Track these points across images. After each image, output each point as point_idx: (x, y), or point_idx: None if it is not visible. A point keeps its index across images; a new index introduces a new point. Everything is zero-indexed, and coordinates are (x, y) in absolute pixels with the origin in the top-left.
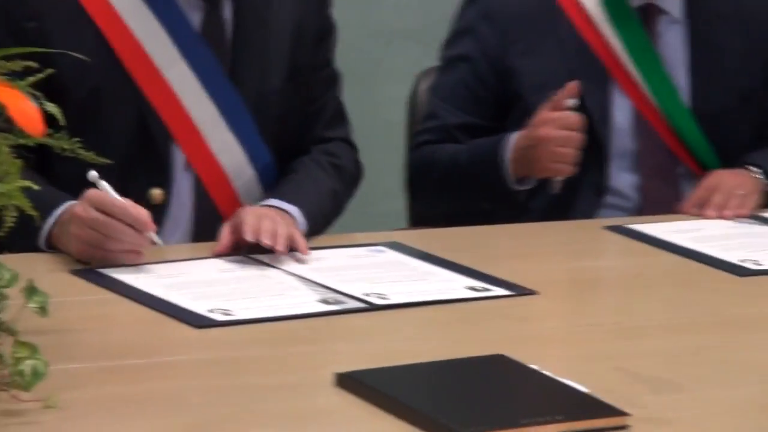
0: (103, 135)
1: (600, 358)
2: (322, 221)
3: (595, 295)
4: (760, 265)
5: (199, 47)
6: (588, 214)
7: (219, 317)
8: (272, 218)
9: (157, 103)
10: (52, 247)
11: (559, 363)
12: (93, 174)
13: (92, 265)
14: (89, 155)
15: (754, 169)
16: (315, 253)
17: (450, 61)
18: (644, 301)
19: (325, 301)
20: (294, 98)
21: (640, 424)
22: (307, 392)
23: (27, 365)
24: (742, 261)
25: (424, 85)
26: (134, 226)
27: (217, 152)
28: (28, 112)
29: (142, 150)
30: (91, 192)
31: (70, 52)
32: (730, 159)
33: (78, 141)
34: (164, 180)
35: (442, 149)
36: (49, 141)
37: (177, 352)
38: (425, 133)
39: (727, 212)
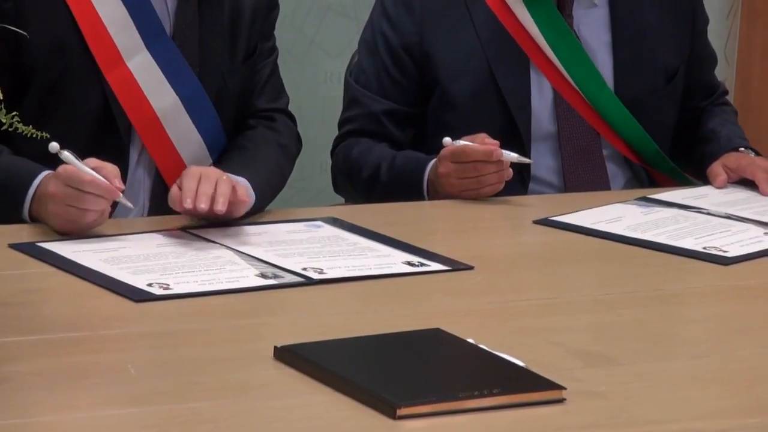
0: (70, 119)
1: (536, 332)
2: (270, 196)
3: (530, 271)
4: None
5: (162, 38)
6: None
7: (158, 291)
8: (211, 179)
9: (118, 90)
10: (34, 218)
11: (496, 337)
12: (54, 145)
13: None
14: (28, 129)
15: (747, 150)
16: (253, 228)
17: (369, 48)
18: (578, 277)
19: (264, 276)
20: (248, 76)
21: (575, 397)
22: (245, 365)
23: None
24: (671, 242)
25: None
26: (103, 196)
27: (176, 142)
28: None
29: (106, 136)
30: (61, 168)
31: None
32: (656, 138)
33: (44, 122)
34: (124, 168)
35: (366, 152)
36: None
37: (116, 325)
38: (350, 122)
39: None
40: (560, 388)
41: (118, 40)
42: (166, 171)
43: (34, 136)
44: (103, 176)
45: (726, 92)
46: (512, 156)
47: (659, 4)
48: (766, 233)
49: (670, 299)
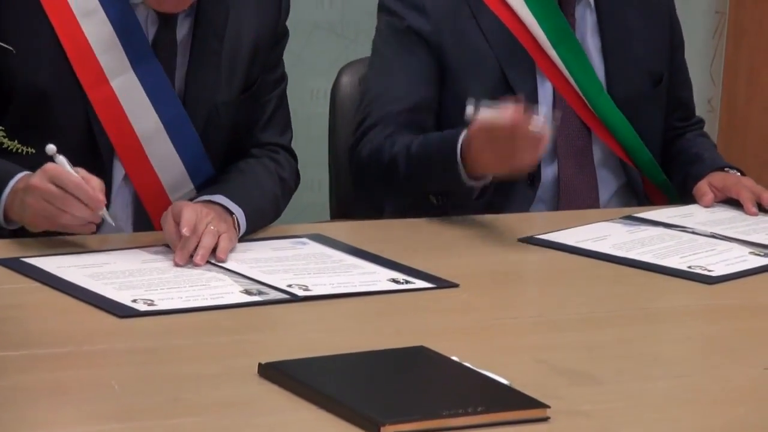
0: (52, 137)
1: (520, 351)
2: (260, 227)
3: (515, 289)
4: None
5: (149, 59)
6: (523, 208)
7: (142, 307)
8: (203, 223)
9: (100, 111)
10: (7, 219)
11: (480, 355)
12: (51, 147)
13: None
14: (13, 144)
15: (732, 170)
16: (239, 245)
17: (389, 43)
18: (564, 295)
19: (248, 292)
20: (246, 107)
21: (559, 416)
22: (229, 382)
23: None
24: (656, 261)
25: (346, 78)
26: (87, 203)
27: (157, 167)
28: None
29: (88, 156)
30: (49, 165)
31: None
32: (648, 143)
33: (25, 138)
34: (106, 191)
35: (394, 141)
36: None
37: (100, 341)
38: (389, 105)
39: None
40: (545, 406)
41: (103, 60)
42: (144, 194)
43: (20, 151)
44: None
45: (703, 123)
46: (540, 120)
47: (640, 9)
48: (750, 252)
49: (655, 318)
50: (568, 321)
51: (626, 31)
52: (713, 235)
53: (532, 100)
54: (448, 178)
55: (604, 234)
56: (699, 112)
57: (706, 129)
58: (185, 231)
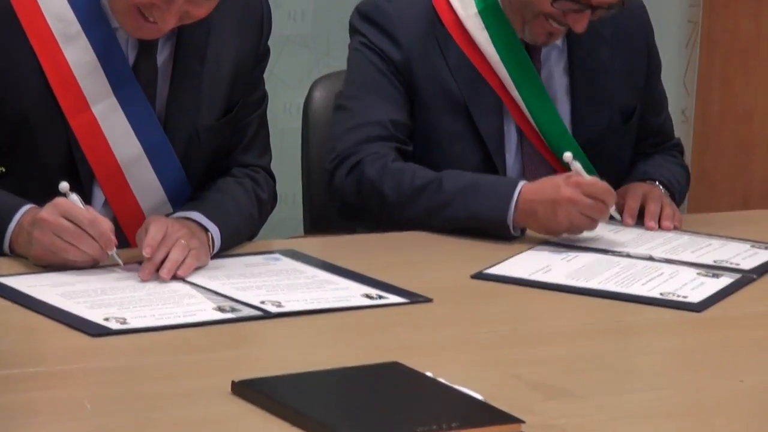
0: (33, 162)
1: (494, 365)
2: (235, 242)
3: (489, 303)
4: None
5: (130, 85)
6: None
7: (115, 326)
8: (173, 238)
9: (81, 136)
10: (12, 252)
11: (454, 370)
12: (64, 185)
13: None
14: None
15: (657, 183)
16: (212, 262)
17: (362, 67)
18: (537, 309)
19: (221, 309)
20: (227, 130)
21: (534, 431)
22: (203, 400)
23: None
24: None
25: (319, 92)
26: (98, 241)
27: (137, 193)
28: None
29: (70, 185)
30: (60, 200)
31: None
32: (613, 178)
33: (7, 164)
34: None
35: (409, 167)
36: None
37: (72, 360)
38: (369, 128)
39: (667, 223)
40: (519, 421)
41: (85, 85)
42: (124, 220)
43: None
44: None
45: (680, 147)
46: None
47: (614, 44)
48: (698, 273)
49: (629, 331)
50: (542, 335)
51: (598, 68)
52: (651, 258)
53: (498, 139)
54: (482, 218)
55: (545, 264)
56: (673, 121)
57: (680, 137)
58: (146, 252)
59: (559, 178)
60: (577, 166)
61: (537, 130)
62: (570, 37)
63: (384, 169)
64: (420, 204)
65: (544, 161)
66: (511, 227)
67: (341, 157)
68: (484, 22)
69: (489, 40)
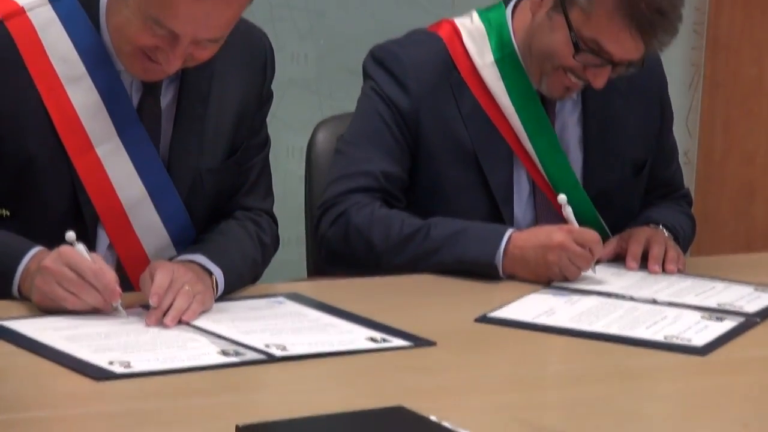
0: (38, 204)
1: (499, 409)
2: (238, 285)
3: (493, 346)
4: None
5: (134, 127)
6: None
7: (119, 369)
8: (179, 283)
9: (85, 177)
10: (22, 294)
11: (459, 414)
12: (71, 235)
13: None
14: None
15: (661, 227)
16: (216, 305)
17: (367, 113)
18: (542, 352)
19: (225, 353)
20: (230, 173)
21: None
22: None
23: None
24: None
25: (322, 135)
26: (102, 293)
27: (141, 235)
28: None
29: (73, 227)
30: (64, 248)
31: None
32: (622, 228)
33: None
34: None
35: (390, 214)
36: None
37: (76, 404)
38: (359, 178)
39: (671, 266)
40: None
41: (89, 127)
42: (128, 262)
43: None
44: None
45: (688, 196)
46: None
47: (628, 97)
48: (702, 317)
49: (633, 375)
50: (547, 379)
51: (611, 121)
52: (655, 302)
53: (507, 190)
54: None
55: (549, 307)
56: None
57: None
58: (153, 301)
59: (550, 226)
60: (568, 212)
61: (549, 181)
62: (585, 88)
63: (371, 216)
64: (408, 252)
65: (556, 213)
66: (499, 268)
67: (327, 205)
68: (500, 72)
69: (504, 90)
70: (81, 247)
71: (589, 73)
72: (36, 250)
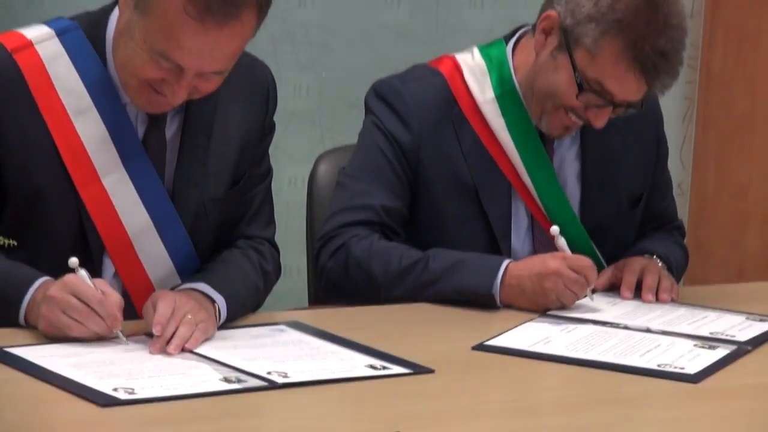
0: (44, 238)
1: None
2: (240, 313)
3: (490, 374)
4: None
5: (139, 158)
6: None
7: (123, 396)
8: (182, 312)
9: (91, 208)
10: (29, 323)
11: None
12: (74, 260)
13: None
14: None
15: (655, 257)
16: (218, 333)
17: (369, 148)
18: (537, 379)
19: (228, 380)
20: (233, 202)
21: None
22: None
23: None
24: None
25: (324, 167)
26: (105, 320)
27: (146, 264)
28: None
29: (79, 257)
30: (69, 277)
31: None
32: (617, 259)
33: (23, 235)
34: None
35: (396, 247)
36: None
37: (81, 430)
38: (358, 211)
39: (665, 295)
40: None
41: (95, 158)
42: (133, 290)
43: (2, 244)
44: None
45: (681, 228)
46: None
47: (625, 133)
48: (695, 345)
49: (627, 402)
50: (543, 406)
51: (609, 156)
52: (648, 330)
53: (506, 223)
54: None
55: (545, 336)
56: None
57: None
58: (156, 330)
59: (544, 255)
60: (561, 243)
61: (547, 215)
62: (585, 125)
63: (371, 248)
64: (407, 283)
65: (554, 246)
66: (497, 298)
67: (327, 237)
68: (501, 108)
69: (504, 126)
70: (83, 273)
71: (590, 113)
72: (42, 280)
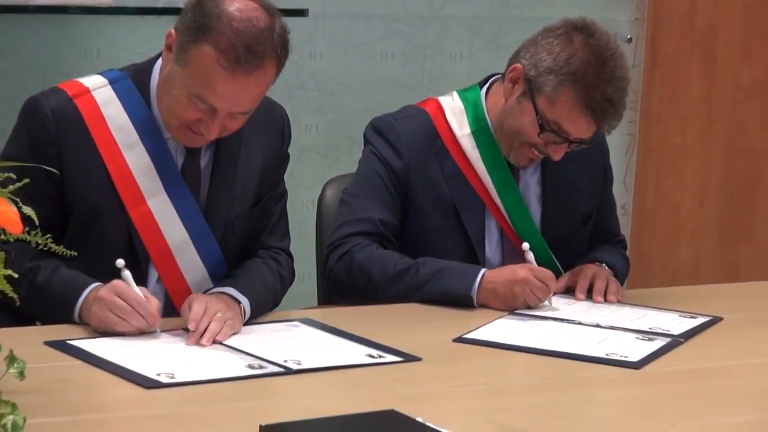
0: (101, 246)
1: (472, 413)
2: (261, 312)
3: (468, 361)
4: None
5: (178, 183)
6: None
7: (165, 379)
8: (213, 311)
9: (138, 224)
10: (81, 318)
11: (440, 417)
12: (120, 262)
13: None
14: (59, 248)
15: (603, 265)
16: (243, 328)
17: (367, 172)
18: (507, 367)
19: (251, 366)
20: (255, 218)
21: None
22: None
23: (8, 420)
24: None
25: (330, 191)
26: (146, 319)
27: (185, 272)
28: (7, 215)
29: (128, 265)
30: (116, 281)
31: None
32: (572, 267)
33: (82, 247)
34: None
35: (392, 254)
36: (27, 237)
37: (129, 408)
38: (360, 223)
39: (612, 297)
40: None
41: (141, 183)
42: (174, 293)
43: (65, 254)
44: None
45: (623, 242)
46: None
47: (579, 163)
48: (637, 338)
49: (580, 385)
50: (512, 387)
51: (565, 181)
52: (598, 326)
53: (481, 236)
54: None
55: (513, 330)
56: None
57: (621, 226)
58: (191, 326)
59: (515, 265)
60: (530, 257)
61: (514, 230)
62: (546, 158)
63: (371, 255)
64: (401, 285)
65: (520, 255)
66: (474, 300)
67: (334, 245)
68: (476, 141)
69: (479, 156)
70: (127, 274)
71: (549, 149)
72: (94, 284)
